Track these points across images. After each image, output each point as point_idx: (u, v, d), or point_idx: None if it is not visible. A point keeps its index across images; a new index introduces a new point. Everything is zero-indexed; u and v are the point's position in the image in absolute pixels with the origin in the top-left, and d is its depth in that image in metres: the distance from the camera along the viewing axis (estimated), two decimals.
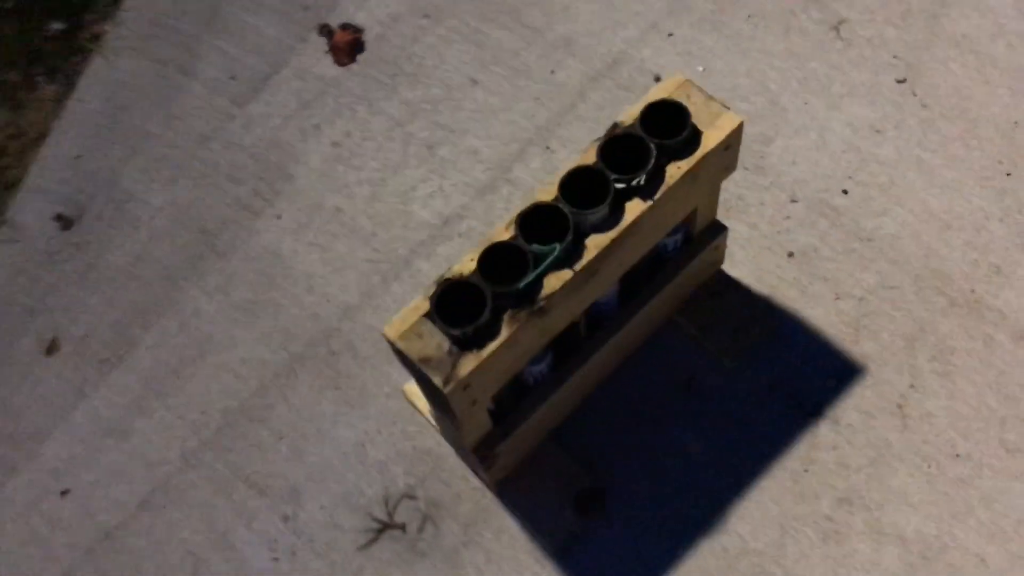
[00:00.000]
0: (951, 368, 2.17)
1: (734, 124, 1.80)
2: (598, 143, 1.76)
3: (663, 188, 1.75)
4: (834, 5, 2.67)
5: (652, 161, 1.73)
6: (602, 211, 1.71)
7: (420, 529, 2.16)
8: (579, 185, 1.75)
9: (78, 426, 2.36)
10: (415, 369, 1.69)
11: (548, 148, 2.59)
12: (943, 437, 2.11)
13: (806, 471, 2.12)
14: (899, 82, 2.53)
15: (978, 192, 2.38)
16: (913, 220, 2.36)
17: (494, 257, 1.70)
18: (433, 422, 2.19)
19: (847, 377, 2.20)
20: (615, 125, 1.81)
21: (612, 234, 1.73)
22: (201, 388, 2.38)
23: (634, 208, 1.74)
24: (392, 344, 1.69)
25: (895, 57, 2.58)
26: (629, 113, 1.81)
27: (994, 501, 2.05)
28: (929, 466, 2.09)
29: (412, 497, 2.20)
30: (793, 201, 2.41)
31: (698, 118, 1.79)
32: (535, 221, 1.72)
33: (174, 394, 2.38)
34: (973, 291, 2.25)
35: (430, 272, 2.45)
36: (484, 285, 1.66)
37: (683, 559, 2.07)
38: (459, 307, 1.67)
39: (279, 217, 2.59)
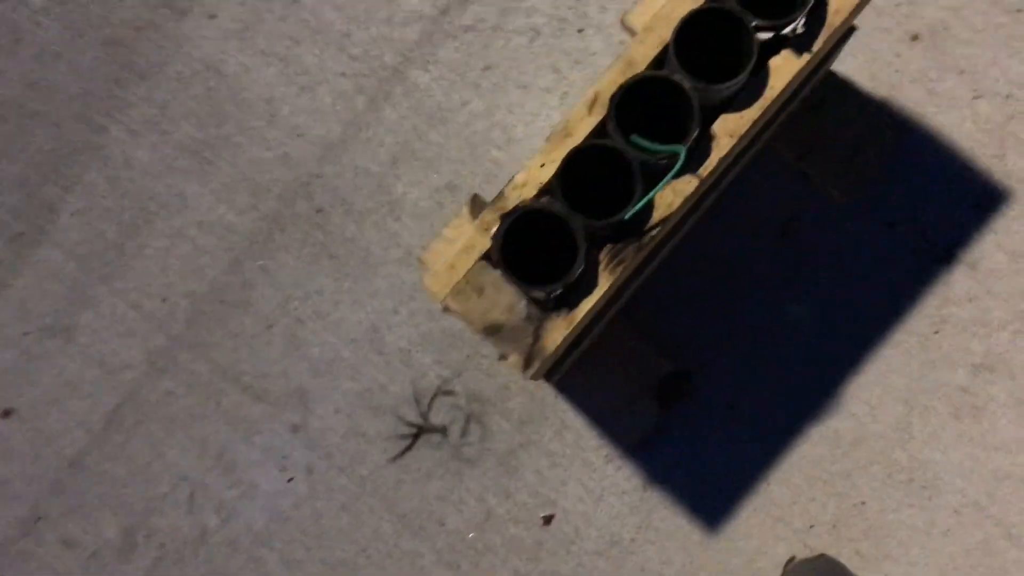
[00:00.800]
0: None
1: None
2: None
3: (826, 31, 1.15)
4: None
5: None
6: (743, 80, 1.12)
7: (464, 432, 1.76)
8: (698, 36, 1.14)
9: (3, 327, 1.84)
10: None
11: None
12: None
13: (936, 332, 1.70)
14: None
15: None
16: None
17: (576, 165, 1.13)
18: None
19: (988, 205, 1.72)
20: None
21: (752, 113, 1.15)
22: (154, 266, 1.84)
23: (784, 68, 1.16)
24: (441, 303, 1.17)
25: None
26: None
27: None
28: None
29: (449, 392, 1.77)
30: None
31: None
32: (623, 103, 1.13)
33: (120, 276, 1.84)
34: None
35: (431, 88, 1.83)
36: (573, 218, 1.11)
37: (788, 448, 1.71)
38: (526, 238, 1.14)
39: (213, 16, 1.89)
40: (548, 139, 1.17)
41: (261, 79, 1.87)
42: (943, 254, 1.72)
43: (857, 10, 1.18)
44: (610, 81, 1.15)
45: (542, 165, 1.16)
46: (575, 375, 1.71)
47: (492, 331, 1.14)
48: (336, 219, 1.82)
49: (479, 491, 1.74)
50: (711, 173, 1.15)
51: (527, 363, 1.13)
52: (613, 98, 1.13)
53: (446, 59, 1.85)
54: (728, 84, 1.10)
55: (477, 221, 1.15)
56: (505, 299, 1.14)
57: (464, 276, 1.15)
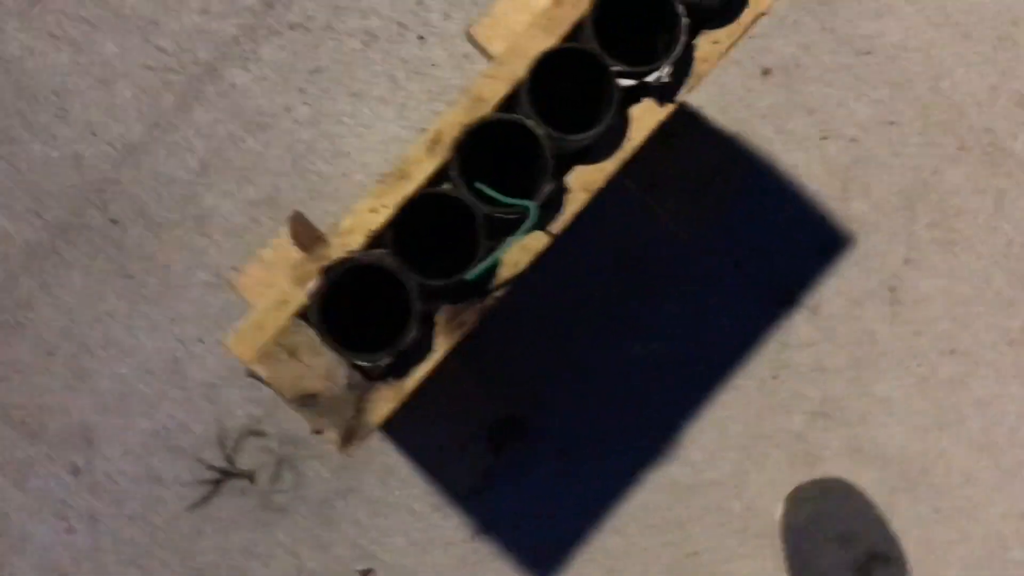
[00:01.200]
0: (954, 235, 1.71)
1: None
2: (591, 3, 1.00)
3: (692, 79, 1.05)
4: None
5: (683, 37, 1.01)
6: (598, 132, 1.00)
7: (275, 477, 1.58)
8: (554, 76, 1.01)
9: None
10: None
11: None
12: (938, 327, 1.69)
13: (775, 377, 1.66)
14: None
15: None
16: (923, 23, 1.74)
17: (413, 214, 0.99)
18: None
19: (831, 249, 1.69)
20: None
21: (610, 166, 1.04)
22: None
23: (646, 118, 1.05)
24: (246, 367, 0.99)
25: None
26: None
27: (988, 406, 1.70)
28: (919, 365, 1.69)
29: (259, 433, 1.59)
30: None
31: None
32: (470, 145, 1.00)
33: None
34: (988, 129, 1.73)
35: (251, 89, 1.63)
36: (407, 276, 0.96)
37: (623, 496, 1.63)
38: (352, 293, 0.98)
39: None
40: (381, 180, 1.01)
41: (50, 66, 1.61)
42: (786, 297, 1.67)
43: (721, 58, 1.09)
44: (454, 120, 1.01)
45: (373, 210, 1.00)
46: (402, 417, 1.56)
47: (306, 401, 0.98)
48: (134, 233, 1.60)
49: (290, 543, 1.57)
50: (563, 231, 1.03)
51: (346, 440, 0.98)
52: (457, 141, 0.98)
53: (269, 58, 1.65)
54: (585, 136, 0.98)
55: (293, 273, 0.99)
56: (323, 364, 0.98)
57: (274, 336, 0.98)
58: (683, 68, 1.04)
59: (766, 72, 1.71)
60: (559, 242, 1.63)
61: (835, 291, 1.68)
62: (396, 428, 1.58)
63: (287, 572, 1.56)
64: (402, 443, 1.58)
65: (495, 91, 1.02)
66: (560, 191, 1.03)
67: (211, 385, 1.58)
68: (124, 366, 1.58)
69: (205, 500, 1.57)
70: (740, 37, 1.06)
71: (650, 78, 1.01)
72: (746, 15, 1.05)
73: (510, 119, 0.98)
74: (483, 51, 1.10)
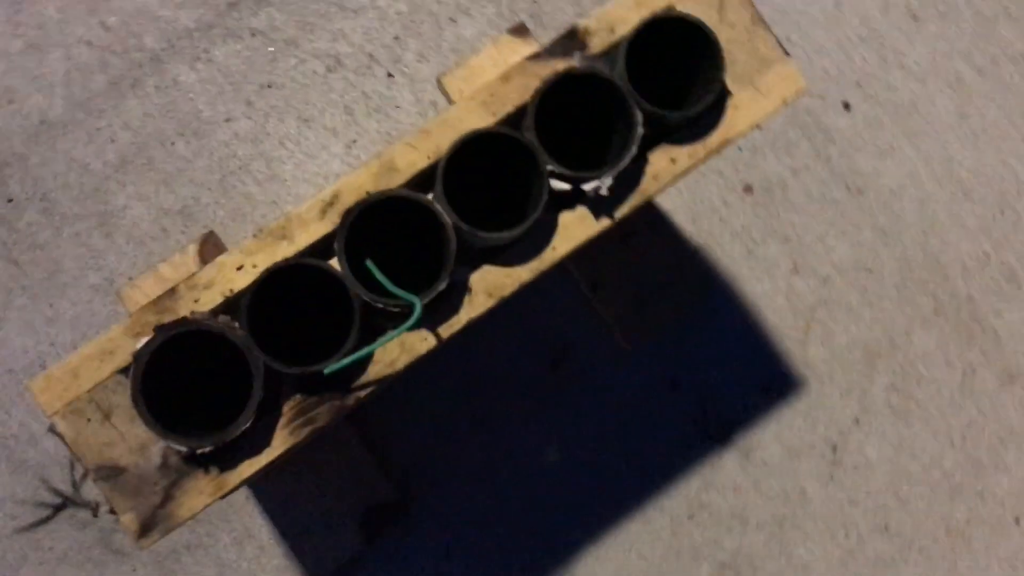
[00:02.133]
0: (912, 404, 1.57)
1: (792, 87, 0.94)
2: (534, 87, 0.87)
3: (636, 198, 0.91)
4: None
5: (634, 148, 0.87)
6: (515, 234, 0.86)
7: None
8: (479, 159, 0.87)
9: None
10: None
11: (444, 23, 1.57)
12: (876, 500, 1.55)
13: (691, 518, 1.51)
14: None
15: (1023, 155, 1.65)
16: (924, 173, 1.62)
17: (278, 283, 0.84)
18: None
19: (778, 391, 1.55)
20: (572, 34, 0.91)
21: (522, 274, 0.89)
22: None
23: (575, 229, 0.90)
24: (48, 418, 0.84)
25: None
26: (596, 22, 0.91)
27: None
28: (847, 536, 1.54)
29: None
30: None
31: (733, 63, 0.92)
32: (374, 217, 0.86)
33: None
34: (971, 298, 1.60)
35: (194, 89, 1.49)
36: (252, 355, 0.81)
37: None
38: (188, 356, 0.83)
39: None
40: (257, 234, 0.87)
41: None
42: (720, 432, 1.53)
43: (676, 180, 0.95)
44: (357, 184, 0.87)
45: (239, 268, 0.85)
46: (273, 476, 1.41)
47: (108, 474, 0.82)
48: (29, 216, 1.44)
49: None
50: (454, 335, 0.88)
51: (144, 529, 0.82)
52: (351, 210, 0.84)
53: (222, 61, 1.51)
54: (500, 236, 0.84)
55: (127, 322, 0.84)
56: (137, 436, 0.83)
57: (89, 391, 0.83)
58: (628, 182, 0.90)
59: (747, 189, 1.58)
60: (489, 320, 1.49)
61: (773, 437, 1.54)
62: (264, 488, 1.42)
63: None
64: (268, 506, 1.42)
65: (412, 162, 0.88)
66: (460, 290, 0.88)
67: None
68: None
69: (37, 525, 1.40)
70: (701, 161, 0.92)
71: (587, 186, 0.87)
72: (714, 138, 0.92)
73: (415, 199, 0.84)
74: (451, 102, 0.97)
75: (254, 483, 1.41)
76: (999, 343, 1.59)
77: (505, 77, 0.90)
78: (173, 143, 1.48)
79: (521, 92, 0.90)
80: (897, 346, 1.58)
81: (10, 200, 1.44)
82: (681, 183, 1.56)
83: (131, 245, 1.45)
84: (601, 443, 1.51)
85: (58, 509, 1.40)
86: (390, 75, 1.54)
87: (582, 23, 0.91)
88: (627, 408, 1.52)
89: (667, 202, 1.56)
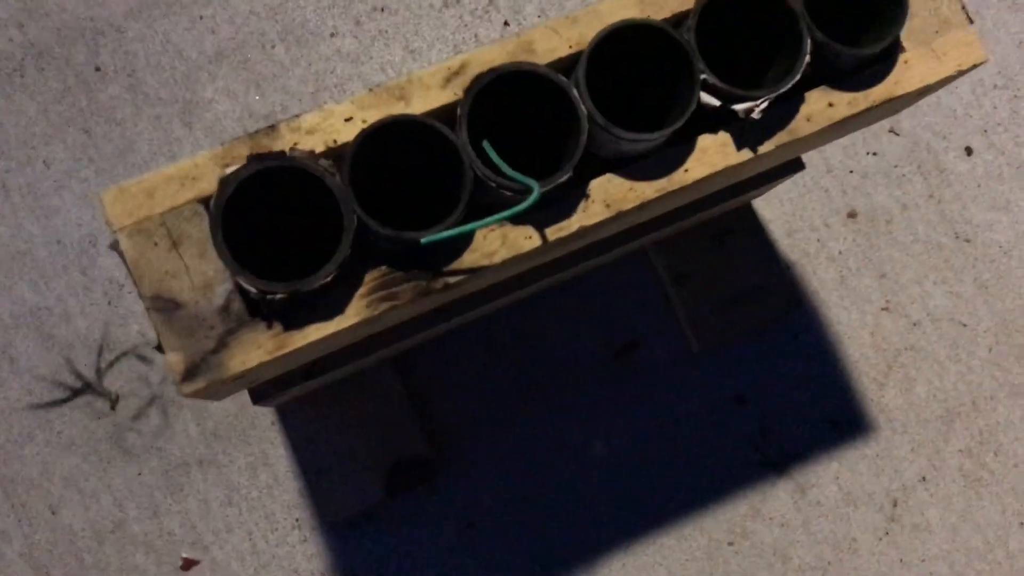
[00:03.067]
0: (985, 474, 1.46)
1: (971, 56, 0.86)
2: None
3: (786, 136, 0.83)
4: None
5: (798, 74, 0.79)
6: (654, 138, 0.78)
7: (138, 414, 1.33)
8: (629, 64, 0.80)
9: None
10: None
11: None
12: (929, 567, 1.43)
13: (731, 544, 1.40)
14: None
15: None
16: None
17: (389, 139, 0.76)
18: None
19: (846, 430, 1.45)
20: None
21: (647, 190, 0.81)
22: None
23: (713, 154, 0.82)
24: (111, 234, 0.76)
25: None
26: None
27: None
28: None
29: (144, 359, 1.35)
30: (892, 132, 1.51)
31: (911, 16, 0.84)
32: (501, 94, 0.78)
33: None
34: None
35: None
36: (348, 205, 0.73)
37: None
38: (278, 201, 0.76)
39: None
40: (372, 89, 0.80)
41: None
42: (777, 460, 1.43)
43: (831, 133, 0.87)
44: (488, 58, 0.79)
45: (348, 119, 0.78)
46: (306, 407, 1.32)
47: (163, 305, 0.75)
48: (113, 90, 1.39)
49: (122, 493, 1.31)
50: (562, 241, 0.80)
51: (188, 373, 0.74)
52: (479, 79, 0.76)
53: None
54: (637, 137, 0.76)
55: (218, 150, 0.76)
56: (203, 271, 0.75)
57: (162, 213, 0.75)
58: (779, 117, 0.82)
59: (852, 215, 1.50)
60: (562, 296, 1.41)
61: (833, 477, 1.43)
62: (294, 416, 1.33)
63: (104, 523, 1.31)
64: (292, 437, 1.34)
65: (552, 48, 0.81)
66: (578, 194, 0.80)
67: (118, 285, 1.35)
68: (34, 222, 1.35)
69: (52, 405, 1.32)
70: (861, 113, 0.84)
71: (739, 106, 0.79)
72: (879, 91, 0.84)
73: (550, 76, 0.76)
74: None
75: (285, 410, 1.33)
76: None
77: None
78: (273, 46, 1.42)
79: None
80: (979, 410, 1.47)
81: (98, 69, 1.39)
82: (784, 195, 1.48)
83: (209, 139, 1.39)
84: (651, 446, 1.41)
85: (76, 393, 1.33)
86: (506, 23, 1.48)
87: None
88: (685, 415, 1.42)
89: (768, 211, 1.47)
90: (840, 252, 1.48)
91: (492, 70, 0.77)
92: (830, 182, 1.50)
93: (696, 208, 1.15)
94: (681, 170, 0.82)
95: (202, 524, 1.32)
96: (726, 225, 1.42)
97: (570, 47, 0.81)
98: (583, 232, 0.81)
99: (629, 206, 0.81)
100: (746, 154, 0.82)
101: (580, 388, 1.41)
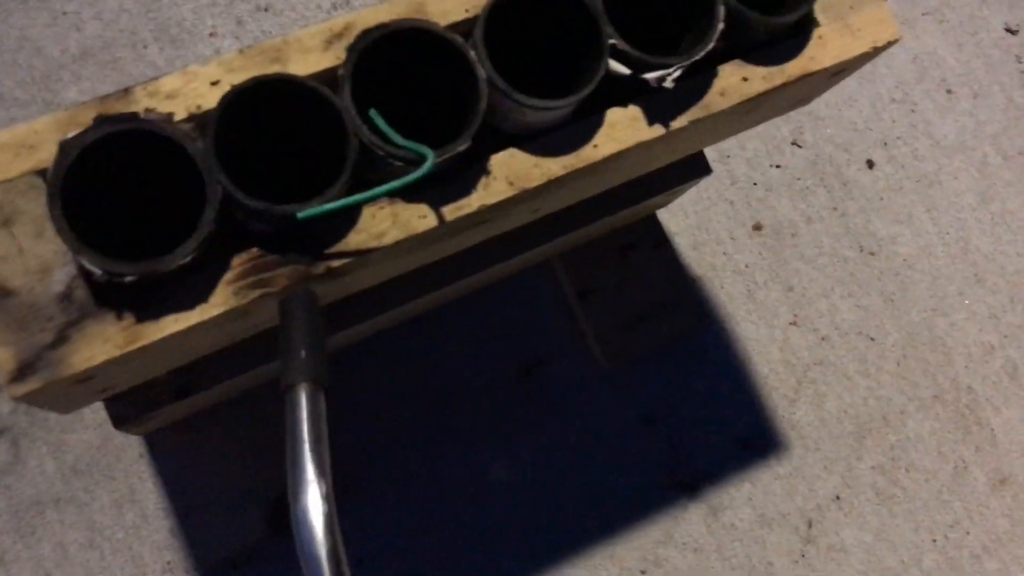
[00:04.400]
0: (898, 491, 1.42)
1: (885, 32, 0.82)
2: None
3: (698, 110, 0.77)
4: None
5: (711, 43, 0.73)
6: (558, 106, 0.71)
7: None
8: (521, 26, 0.73)
9: None
10: None
11: None
12: None
13: (643, 573, 1.32)
14: (1009, 32, 1.61)
15: None
16: (940, 248, 1.52)
17: (260, 102, 0.67)
18: None
19: (758, 449, 1.39)
20: None
21: (554, 167, 0.74)
22: None
23: (625, 128, 0.75)
24: None
25: None
26: None
27: None
28: None
29: None
30: (795, 144, 1.49)
31: None
32: (389, 57, 0.70)
33: None
34: (971, 389, 1.48)
35: None
36: (211, 175, 0.63)
37: None
38: (130, 172, 0.66)
39: None
40: (243, 50, 0.70)
41: None
42: (689, 481, 1.36)
43: (744, 114, 0.81)
44: (374, 19, 0.71)
45: (214, 83, 0.68)
46: (179, 434, 1.20)
47: None
48: None
49: None
50: (460, 222, 0.71)
51: (20, 372, 0.62)
52: (364, 36, 0.68)
53: None
54: (540, 104, 0.69)
55: (60, 114, 0.66)
56: (40, 254, 0.64)
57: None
58: (693, 92, 0.76)
59: (757, 227, 1.46)
60: (463, 313, 1.32)
61: (746, 499, 1.37)
62: (166, 445, 1.20)
63: None
64: (163, 471, 1.20)
65: (444, 11, 0.73)
66: (478, 170, 0.72)
67: None
68: None
69: None
70: (776, 89, 0.78)
71: (650, 75, 0.72)
72: (794, 66, 0.79)
73: (444, 35, 0.68)
74: None
75: (155, 438, 1.20)
76: (994, 442, 1.47)
77: None
78: (146, 46, 1.31)
79: None
80: (890, 425, 1.44)
81: None
82: (688, 207, 1.43)
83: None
84: (557, 469, 1.33)
85: None
86: None
87: None
88: (593, 435, 1.35)
89: (673, 224, 1.42)
90: (747, 265, 1.44)
91: (380, 26, 0.69)
92: (735, 194, 1.46)
93: (602, 209, 1.09)
94: (590, 146, 0.75)
95: (58, 572, 1.17)
96: (630, 238, 1.36)
97: (466, 11, 0.74)
98: (483, 212, 0.73)
99: (534, 184, 0.73)
100: (658, 129, 0.76)
101: (483, 410, 1.32)
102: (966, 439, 1.45)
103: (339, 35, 0.72)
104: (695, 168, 1.15)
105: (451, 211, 0.71)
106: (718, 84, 0.78)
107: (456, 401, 1.31)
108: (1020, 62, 1.59)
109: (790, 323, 1.44)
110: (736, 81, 0.78)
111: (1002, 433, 1.47)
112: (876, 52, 0.82)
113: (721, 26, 0.74)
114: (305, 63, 0.71)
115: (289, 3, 1.37)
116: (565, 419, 1.34)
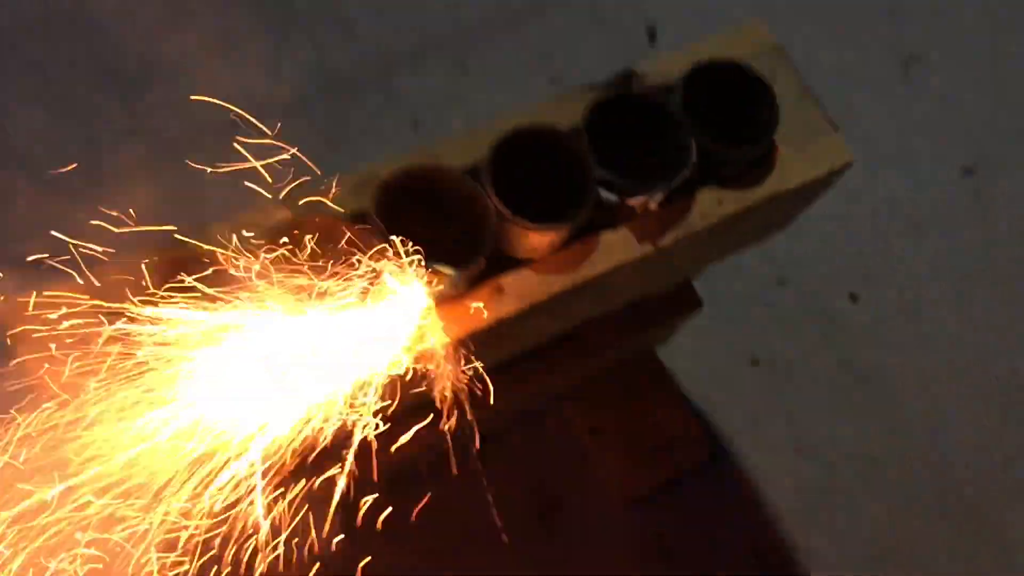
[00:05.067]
0: None
1: (841, 158, 0.94)
2: (588, 99, 0.86)
3: (681, 229, 0.88)
4: (913, 36, 1.85)
5: (686, 171, 0.85)
6: (554, 229, 0.81)
7: None
8: (521, 165, 0.85)
9: None
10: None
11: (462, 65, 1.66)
12: None
13: None
14: (966, 171, 1.76)
15: None
16: (929, 370, 1.59)
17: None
18: None
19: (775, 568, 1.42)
20: (628, 76, 0.92)
21: (557, 283, 0.84)
22: None
23: (616, 248, 0.86)
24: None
25: (969, 135, 1.80)
26: (660, 66, 0.92)
27: None
28: None
29: None
30: (781, 284, 1.60)
31: (782, 124, 0.92)
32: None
33: None
34: (979, 506, 1.51)
35: None
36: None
37: None
38: None
39: None
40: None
41: None
42: None
43: (725, 233, 0.92)
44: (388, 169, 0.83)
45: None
46: None
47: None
48: None
49: None
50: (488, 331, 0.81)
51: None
52: (384, 188, 0.80)
53: None
54: (544, 226, 0.79)
55: None
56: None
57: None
58: (676, 214, 0.87)
59: (755, 362, 1.55)
60: (483, 455, 1.38)
61: None
62: None
63: None
64: None
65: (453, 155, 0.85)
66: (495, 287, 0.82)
67: None
68: None
69: None
70: (749, 209, 0.90)
71: (634, 200, 0.83)
72: (763, 189, 0.90)
73: (440, 171, 0.80)
74: None
75: None
76: (1005, 546, 1.49)
77: (559, 99, 0.90)
78: None
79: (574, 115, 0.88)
80: (904, 545, 1.47)
81: None
82: (688, 346, 1.52)
83: None
84: None
85: None
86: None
87: (638, 67, 0.92)
88: (608, 567, 1.38)
89: (673, 362, 1.51)
90: (748, 399, 1.52)
91: (387, 181, 0.80)
92: (730, 332, 1.55)
93: (604, 342, 1.18)
94: (588, 264, 0.85)
95: None
96: (633, 377, 1.44)
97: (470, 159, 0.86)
98: (502, 328, 0.82)
99: (539, 299, 0.83)
100: (647, 247, 0.86)
101: (503, 555, 1.36)
102: (979, 550, 1.48)
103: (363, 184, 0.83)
104: (688, 303, 1.25)
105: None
106: (696, 207, 0.89)
107: (477, 548, 1.35)
108: (978, 200, 1.73)
109: (795, 451, 1.50)
110: (712, 204, 0.89)
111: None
112: (834, 175, 0.94)
113: (694, 159, 0.85)
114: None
115: None
116: (587, 560, 1.38)
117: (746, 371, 1.54)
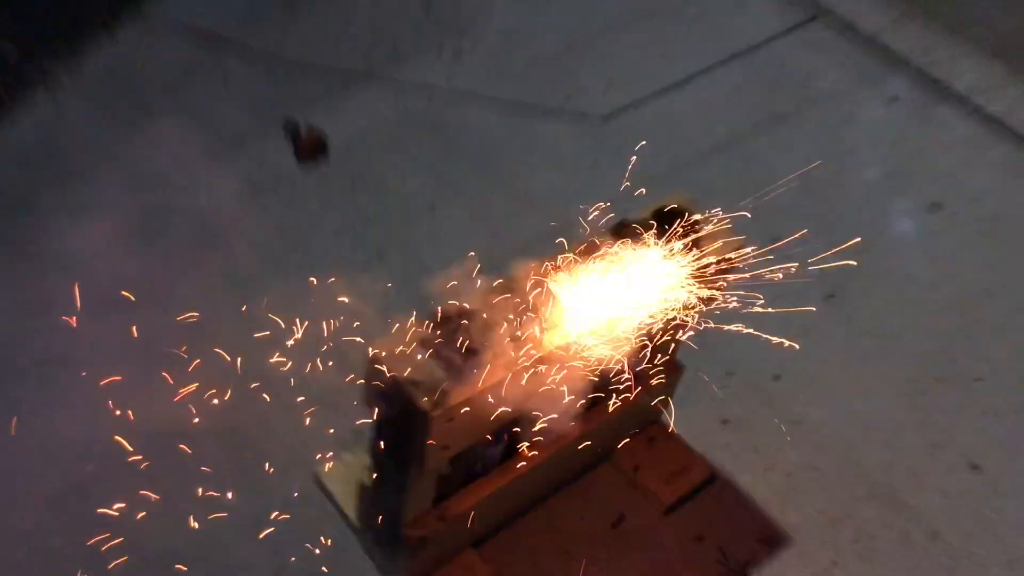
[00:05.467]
0: (872, 552, 2.18)
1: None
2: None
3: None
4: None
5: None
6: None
7: None
8: None
9: None
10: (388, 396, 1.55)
11: None
12: None
13: None
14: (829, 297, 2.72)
15: (895, 403, 2.51)
16: (837, 415, 2.44)
17: None
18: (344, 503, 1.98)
19: (773, 543, 2.16)
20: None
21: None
22: None
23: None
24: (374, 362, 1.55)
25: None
26: None
27: None
28: None
29: None
30: (729, 374, 2.47)
31: None
32: None
33: None
34: (890, 487, 2.31)
35: None
36: None
37: None
38: None
39: None
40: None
41: None
42: (738, 570, 2.10)
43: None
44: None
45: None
46: None
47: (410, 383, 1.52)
48: None
49: None
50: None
51: (435, 405, 1.50)
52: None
53: None
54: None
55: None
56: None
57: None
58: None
59: (725, 422, 2.38)
60: (566, 495, 2.12)
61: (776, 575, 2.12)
62: None
63: None
64: None
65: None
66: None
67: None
68: None
69: None
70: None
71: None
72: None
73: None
74: None
75: None
76: (918, 514, 2.26)
77: None
78: None
79: None
80: (849, 514, 2.24)
81: None
82: (680, 417, 2.35)
83: None
84: None
85: None
86: None
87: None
88: (666, 556, 2.11)
89: (675, 424, 2.33)
90: (726, 444, 2.33)
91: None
92: (705, 404, 2.39)
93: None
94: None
95: None
96: (652, 434, 2.26)
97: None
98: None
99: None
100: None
101: (587, 552, 2.08)
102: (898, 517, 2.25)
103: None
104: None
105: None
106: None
107: (571, 551, 2.07)
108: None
109: (765, 470, 2.29)
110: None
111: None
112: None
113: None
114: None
115: None
116: (648, 548, 2.10)
117: (720, 427, 2.36)
